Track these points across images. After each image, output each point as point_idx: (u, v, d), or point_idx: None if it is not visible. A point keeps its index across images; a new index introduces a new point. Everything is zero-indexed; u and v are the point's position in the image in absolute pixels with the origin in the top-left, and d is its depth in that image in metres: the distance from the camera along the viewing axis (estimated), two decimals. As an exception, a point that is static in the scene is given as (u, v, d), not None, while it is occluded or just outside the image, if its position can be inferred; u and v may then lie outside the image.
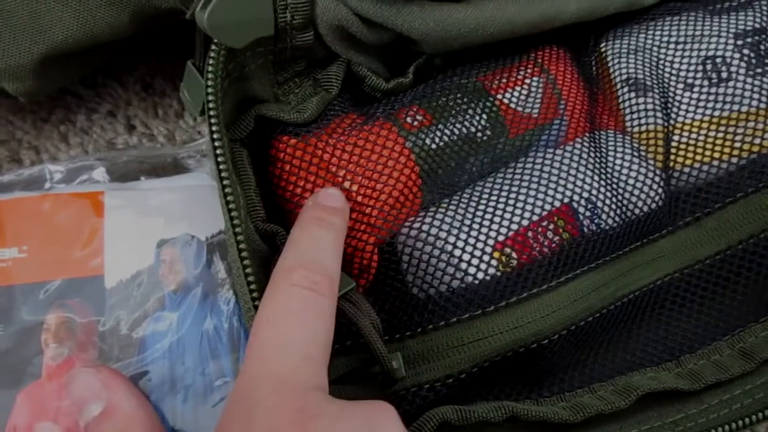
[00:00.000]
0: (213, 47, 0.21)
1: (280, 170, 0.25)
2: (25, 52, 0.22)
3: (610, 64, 0.30)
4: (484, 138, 0.27)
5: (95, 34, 0.23)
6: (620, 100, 0.29)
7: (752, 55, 0.29)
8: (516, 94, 0.28)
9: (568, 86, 0.29)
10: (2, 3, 0.22)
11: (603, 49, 0.31)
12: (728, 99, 0.28)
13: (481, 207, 0.25)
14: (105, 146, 0.29)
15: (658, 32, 0.30)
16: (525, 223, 0.25)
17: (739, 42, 0.29)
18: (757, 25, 0.29)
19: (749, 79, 0.28)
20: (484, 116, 0.27)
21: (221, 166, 0.21)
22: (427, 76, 0.29)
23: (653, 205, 0.27)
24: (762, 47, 0.29)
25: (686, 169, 0.28)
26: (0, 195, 0.23)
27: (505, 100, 0.28)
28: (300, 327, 0.18)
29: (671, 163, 0.28)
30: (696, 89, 0.29)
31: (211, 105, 0.20)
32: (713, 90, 0.28)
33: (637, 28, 0.31)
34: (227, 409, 0.17)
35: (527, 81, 0.29)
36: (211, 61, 0.21)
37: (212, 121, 0.20)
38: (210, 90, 0.21)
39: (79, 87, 0.31)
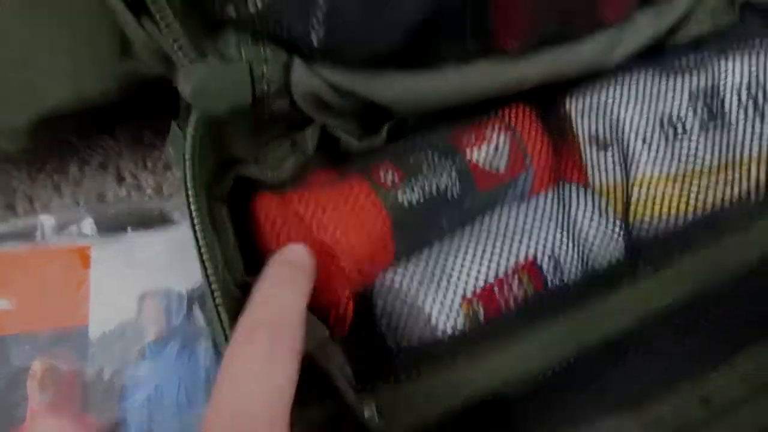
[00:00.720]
0: (193, 114, 0.23)
1: (260, 225, 0.26)
2: (18, 116, 0.24)
3: (573, 121, 0.32)
4: (454, 195, 0.29)
5: (86, 100, 0.25)
6: (583, 155, 0.31)
7: (705, 111, 0.31)
8: (484, 151, 0.30)
9: (533, 141, 0.31)
10: (2, 72, 0.24)
11: (567, 107, 0.32)
12: (683, 155, 0.30)
13: (450, 262, 0.27)
14: (95, 197, 0.31)
15: (618, 91, 0.32)
16: (492, 278, 0.27)
17: (693, 100, 0.31)
18: (710, 83, 0.31)
19: (703, 134, 0.30)
20: (454, 173, 0.29)
21: (195, 224, 0.22)
22: (400, 134, 0.30)
23: (614, 257, 0.29)
24: (714, 103, 0.31)
25: (645, 222, 0.30)
26: (-8, 248, 0.25)
27: (474, 158, 0.30)
28: (260, 383, 0.18)
29: (631, 217, 0.30)
30: (654, 146, 0.30)
31: (188, 168, 0.22)
32: (669, 147, 0.30)
33: (599, 86, 0.33)
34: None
35: (494, 138, 0.31)
36: (190, 128, 0.23)
37: (188, 184, 0.22)
38: (188, 155, 0.22)
39: (73, 137, 0.32)
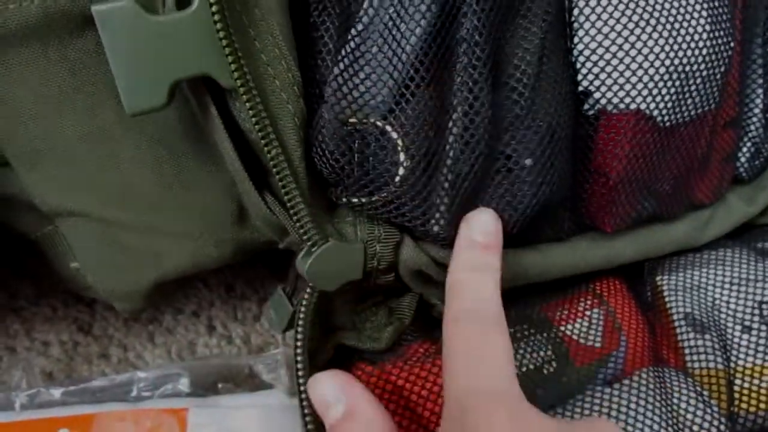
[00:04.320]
0: (308, 290, 0.24)
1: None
2: (139, 281, 0.25)
3: (666, 299, 0.31)
4: (550, 370, 0.28)
5: (201, 266, 0.26)
6: (679, 336, 0.30)
7: (808, 302, 0.30)
8: (578, 326, 0.30)
9: (628, 318, 0.31)
10: (125, 238, 0.25)
11: (659, 283, 0.32)
12: (788, 344, 0.29)
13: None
14: (187, 347, 0.31)
15: (711, 271, 0.32)
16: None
17: (793, 289, 0.31)
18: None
19: (808, 326, 0.29)
20: (550, 348, 0.29)
21: (303, 400, 0.22)
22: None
23: (719, 451, 0.27)
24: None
25: (751, 416, 0.28)
26: (93, 406, 0.25)
27: (568, 332, 0.29)
28: (486, 356, 0.20)
29: (735, 409, 0.28)
30: (754, 332, 0.30)
31: (299, 344, 0.22)
32: (773, 336, 0.29)
33: (691, 263, 0.32)
34: (443, 427, 0.19)
35: (588, 313, 0.30)
36: (304, 303, 0.23)
37: (299, 364, 0.22)
38: (300, 330, 0.23)
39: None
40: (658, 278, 0.32)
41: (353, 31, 0.23)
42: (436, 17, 0.23)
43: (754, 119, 0.32)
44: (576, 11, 0.24)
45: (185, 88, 0.22)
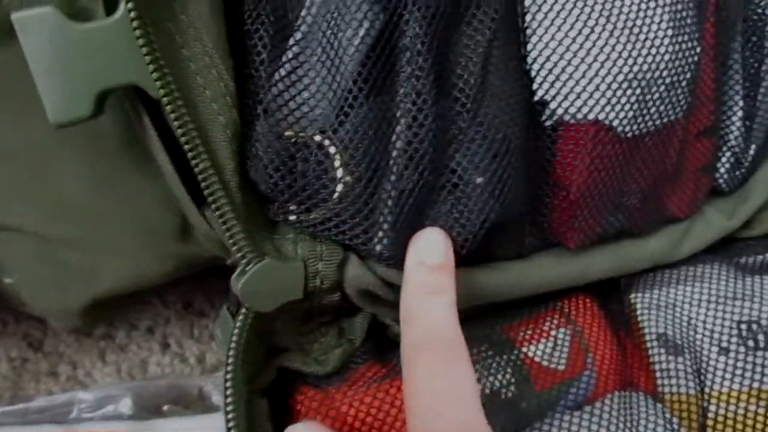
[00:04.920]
0: (243, 310, 0.22)
1: (299, 419, 0.25)
2: (75, 299, 0.24)
3: (640, 317, 0.30)
4: (509, 394, 0.27)
5: (143, 282, 0.25)
6: (651, 357, 0.29)
7: (789, 323, 0.28)
8: (542, 347, 0.28)
9: (596, 338, 0.29)
10: (61, 254, 0.24)
11: (633, 300, 0.31)
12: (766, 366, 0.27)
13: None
14: (138, 365, 0.30)
15: (688, 288, 0.30)
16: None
17: (774, 307, 0.29)
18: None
19: (788, 349, 0.27)
20: (509, 370, 0.27)
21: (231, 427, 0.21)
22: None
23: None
24: (797, 315, 0.28)
25: (725, 445, 0.26)
26: (28, 428, 0.24)
27: (531, 353, 0.28)
28: (447, 390, 0.19)
29: (708, 437, 0.26)
30: (732, 355, 0.28)
31: (230, 365, 0.21)
32: (750, 358, 0.27)
33: (668, 280, 0.31)
34: None
35: (553, 333, 0.29)
36: (237, 325, 0.22)
37: (228, 383, 0.21)
38: (231, 353, 0.22)
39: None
40: (632, 296, 0.31)
41: (291, 41, 0.22)
42: (377, 26, 0.22)
43: (733, 128, 0.31)
44: (529, 16, 0.23)
45: (121, 96, 0.22)
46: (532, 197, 0.26)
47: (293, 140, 0.22)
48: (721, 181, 0.31)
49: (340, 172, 0.21)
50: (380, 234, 0.22)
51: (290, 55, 0.22)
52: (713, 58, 0.28)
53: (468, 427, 0.19)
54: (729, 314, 0.29)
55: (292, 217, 0.22)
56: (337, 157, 0.21)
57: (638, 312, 0.30)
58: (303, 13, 0.22)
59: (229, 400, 0.21)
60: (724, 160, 0.31)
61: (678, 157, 0.28)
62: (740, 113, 0.30)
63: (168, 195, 0.24)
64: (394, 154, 0.22)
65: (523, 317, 0.30)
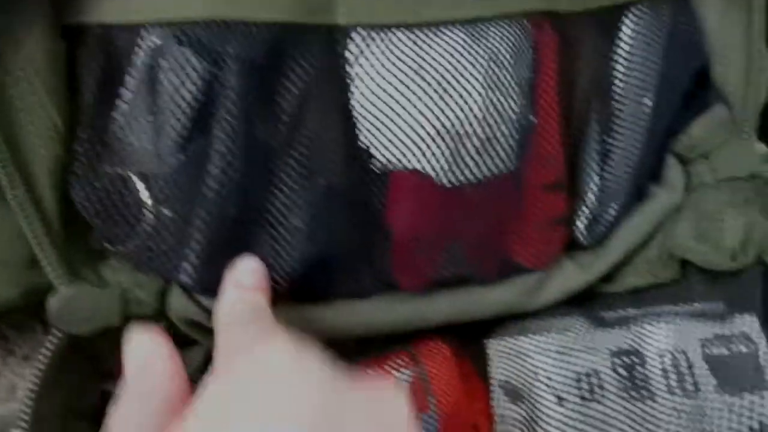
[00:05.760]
0: (55, 332, 0.24)
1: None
2: None
3: (489, 363, 0.30)
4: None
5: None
6: (493, 402, 0.29)
7: (626, 376, 0.29)
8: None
9: (440, 382, 0.29)
10: None
11: (487, 346, 0.31)
12: (597, 419, 0.27)
13: None
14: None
15: (540, 337, 0.31)
16: None
17: (616, 360, 0.29)
18: (636, 347, 0.29)
19: (620, 401, 0.28)
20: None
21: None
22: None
23: None
24: (636, 371, 0.29)
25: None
26: None
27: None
28: None
29: (533, 486, 0.26)
30: (568, 405, 0.28)
31: (31, 390, 0.22)
32: (584, 409, 0.28)
33: (522, 328, 0.31)
34: None
35: (396, 374, 0.29)
36: (47, 345, 0.23)
37: (27, 404, 0.22)
38: (37, 374, 0.23)
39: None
40: (488, 341, 0.31)
41: (123, 85, 0.24)
42: (201, 78, 0.23)
43: (592, 185, 0.32)
44: (349, 68, 0.25)
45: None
46: (366, 240, 0.27)
47: (107, 176, 0.23)
48: (578, 234, 0.32)
49: (151, 208, 0.23)
50: (186, 266, 0.23)
51: (119, 99, 0.24)
52: (558, 121, 0.30)
53: None
54: (572, 365, 0.29)
55: (110, 246, 0.24)
56: (149, 194, 0.23)
57: (490, 357, 0.31)
58: (136, 63, 0.24)
59: (24, 420, 0.22)
60: (581, 214, 0.32)
61: (519, 209, 0.29)
62: (596, 179, 0.32)
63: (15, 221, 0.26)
64: (206, 194, 0.23)
65: (373, 356, 0.30)
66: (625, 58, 0.31)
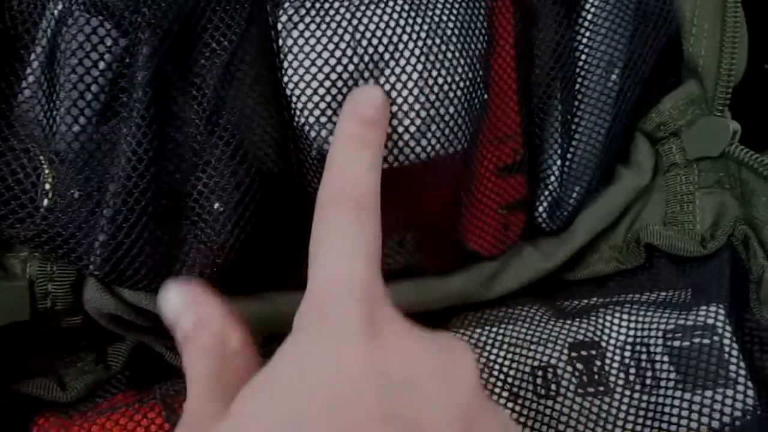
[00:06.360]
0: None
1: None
2: None
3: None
4: None
5: None
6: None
7: (584, 370, 0.27)
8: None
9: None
10: None
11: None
12: (553, 418, 0.26)
13: None
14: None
15: (496, 329, 0.29)
16: None
17: (574, 354, 0.28)
18: (596, 339, 0.28)
19: (577, 399, 0.26)
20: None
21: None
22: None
23: None
24: (595, 365, 0.27)
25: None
26: None
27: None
28: (354, 242, 0.19)
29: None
30: (520, 401, 0.26)
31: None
32: (535, 406, 0.26)
33: (480, 320, 0.30)
34: (302, 309, 0.18)
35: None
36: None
37: None
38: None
39: None
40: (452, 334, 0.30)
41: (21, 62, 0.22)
42: (113, 50, 0.21)
43: (554, 168, 0.30)
44: (281, 41, 0.23)
45: None
46: (305, 229, 0.25)
47: (13, 154, 0.21)
48: (540, 220, 0.30)
49: (47, 188, 0.21)
50: (93, 254, 0.21)
51: (21, 72, 0.22)
52: (515, 98, 0.27)
53: (353, 285, 0.18)
54: (527, 359, 0.27)
55: (12, 231, 0.22)
56: (48, 173, 0.21)
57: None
58: (39, 35, 0.22)
59: None
60: (542, 198, 0.30)
61: (471, 193, 0.27)
62: (558, 161, 0.30)
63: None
64: (115, 176, 0.21)
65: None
66: (588, 29, 0.29)
